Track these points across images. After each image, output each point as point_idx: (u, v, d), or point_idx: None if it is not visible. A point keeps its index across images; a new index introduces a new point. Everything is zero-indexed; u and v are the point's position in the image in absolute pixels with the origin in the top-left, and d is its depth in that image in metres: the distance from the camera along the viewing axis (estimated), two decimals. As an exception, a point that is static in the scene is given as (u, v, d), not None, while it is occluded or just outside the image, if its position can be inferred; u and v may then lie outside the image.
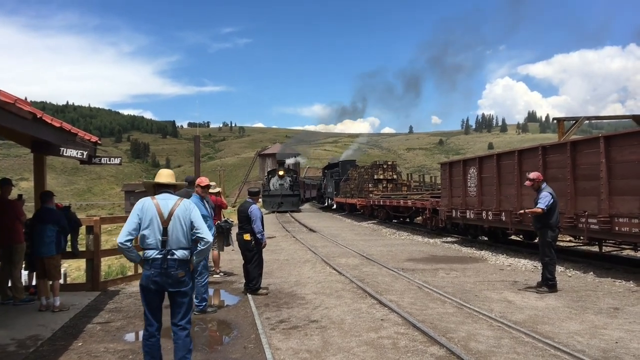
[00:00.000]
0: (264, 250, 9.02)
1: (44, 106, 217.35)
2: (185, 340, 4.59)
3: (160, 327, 4.64)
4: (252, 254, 8.65)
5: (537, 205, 8.59)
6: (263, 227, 8.77)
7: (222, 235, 10.17)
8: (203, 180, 8.20)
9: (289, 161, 64.88)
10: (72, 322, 7.20)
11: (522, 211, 9.00)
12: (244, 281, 8.98)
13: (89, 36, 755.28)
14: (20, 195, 9.19)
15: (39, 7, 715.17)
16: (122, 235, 4.48)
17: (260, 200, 39.97)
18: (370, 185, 30.23)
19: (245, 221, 8.60)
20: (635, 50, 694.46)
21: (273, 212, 40.22)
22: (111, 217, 15.92)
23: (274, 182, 43.92)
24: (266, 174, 51.82)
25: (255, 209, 8.71)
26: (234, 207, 61.66)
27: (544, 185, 8.85)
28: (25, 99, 7.01)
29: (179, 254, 4.55)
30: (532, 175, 9.17)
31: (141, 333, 6.60)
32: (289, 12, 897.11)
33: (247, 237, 8.58)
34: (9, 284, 8.42)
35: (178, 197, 4.79)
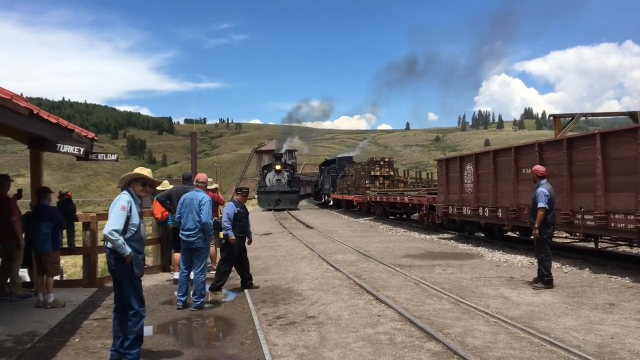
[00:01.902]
0: (261, 246, 9.03)
1: (39, 102, 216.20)
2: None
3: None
4: (233, 250, 8.62)
5: (538, 205, 8.59)
6: (232, 224, 8.57)
7: (219, 231, 10.16)
8: (202, 176, 8.22)
9: (287, 146, 61.17)
10: (69, 318, 7.20)
11: (535, 232, 8.79)
12: (240, 278, 8.98)
13: (84, 32, 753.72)
14: (19, 191, 9.19)
15: (33, 2, 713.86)
16: None
17: (256, 196, 38.98)
18: (367, 182, 30.25)
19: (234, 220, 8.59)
20: (631, 47, 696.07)
21: (269, 210, 37.92)
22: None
23: (270, 178, 41.10)
24: (261, 169, 47.84)
25: (229, 205, 8.73)
26: (230, 203, 61.76)
27: (543, 181, 8.84)
28: (21, 95, 7.00)
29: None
30: (534, 167, 9.23)
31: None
32: (285, 8, 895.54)
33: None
34: (7, 280, 8.42)
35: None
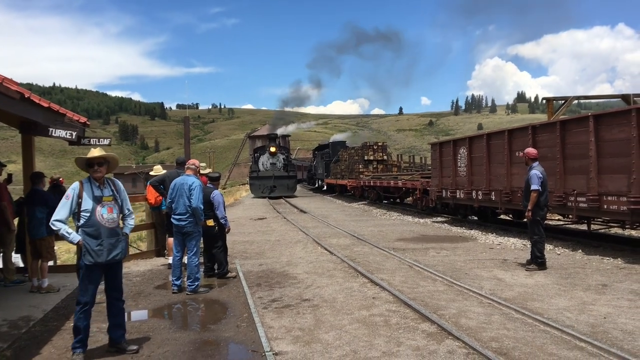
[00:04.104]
0: (255, 231, 9.02)
1: (30, 87, 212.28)
2: None
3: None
4: (217, 239, 8.61)
5: (531, 188, 8.60)
6: (225, 212, 8.73)
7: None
8: (196, 162, 8.17)
9: (281, 131, 55.00)
10: (64, 302, 7.20)
11: (528, 214, 8.79)
12: (205, 265, 8.90)
13: (74, 16, 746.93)
14: (10, 175, 9.13)
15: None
16: None
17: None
18: (360, 166, 30.25)
19: (208, 207, 8.33)
20: (624, 30, 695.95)
21: (264, 197, 34.09)
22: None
23: (264, 162, 36.46)
24: (252, 153, 42.71)
25: (217, 194, 8.63)
26: (224, 189, 61.60)
27: (535, 164, 8.86)
28: (11, 79, 6.91)
29: None
30: (526, 149, 9.25)
31: (133, 313, 6.66)
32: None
33: (210, 222, 8.43)
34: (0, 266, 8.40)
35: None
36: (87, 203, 4.89)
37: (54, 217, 4.84)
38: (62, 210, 4.85)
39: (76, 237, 4.86)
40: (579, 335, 5.02)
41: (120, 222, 5.25)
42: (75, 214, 4.90)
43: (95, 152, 5.04)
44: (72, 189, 4.97)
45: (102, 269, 5.01)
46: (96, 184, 5.03)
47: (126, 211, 5.32)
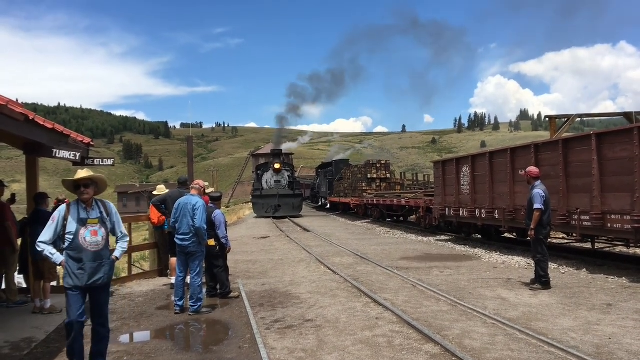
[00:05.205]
0: (258, 250, 9.01)
1: (35, 108, 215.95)
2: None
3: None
4: (218, 258, 8.61)
5: (534, 207, 8.60)
6: (227, 232, 8.74)
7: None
8: (200, 182, 8.22)
9: (285, 147, 52.60)
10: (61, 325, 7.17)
11: (531, 233, 8.79)
12: (208, 285, 8.86)
13: (79, 37, 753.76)
14: (13, 195, 9.16)
15: (29, 8, 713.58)
16: None
17: (254, 202, 36.29)
18: (363, 185, 30.24)
19: (209, 227, 8.29)
20: (625, 48, 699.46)
21: (268, 217, 31.97)
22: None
23: (268, 179, 34.46)
24: (255, 170, 39.93)
25: (219, 214, 8.63)
26: (227, 207, 61.57)
27: (537, 182, 8.87)
28: (17, 100, 6.98)
29: None
30: (528, 168, 9.25)
31: (135, 334, 6.63)
32: (281, 12, 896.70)
33: (211, 242, 8.41)
34: (3, 287, 8.39)
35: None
36: (71, 226, 4.83)
37: (39, 239, 4.84)
38: (47, 232, 4.84)
39: (59, 258, 4.82)
40: (584, 357, 4.98)
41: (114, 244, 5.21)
42: (60, 236, 4.85)
43: (81, 174, 4.98)
44: (59, 211, 4.94)
45: (84, 293, 4.90)
46: (83, 206, 4.95)
47: (119, 234, 5.24)
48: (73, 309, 4.84)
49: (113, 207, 5.25)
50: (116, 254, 5.18)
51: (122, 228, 5.30)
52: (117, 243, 5.24)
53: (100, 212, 5.03)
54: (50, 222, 4.89)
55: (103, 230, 4.97)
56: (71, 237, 4.82)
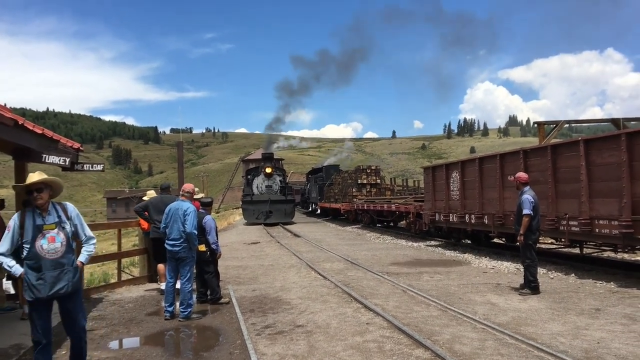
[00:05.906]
0: (249, 255, 8.99)
1: (24, 112, 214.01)
2: None
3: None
4: (208, 264, 8.59)
5: (523, 212, 8.65)
6: (217, 238, 8.73)
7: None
8: (191, 187, 8.18)
9: (277, 145, 49.57)
10: (55, 330, 7.07)
11: (520, 238, 8.84)
12: (198, 291, 8.82)
13: (68, 42, 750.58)
14: (2, 201, 9.09)
15: (16, 12, 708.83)
16: None
17: (245, 207, 35.70)
18: (354, 190, 30.30)
19: (200, 232, 8.24)
20: (612, 55, 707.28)
21: (258, 224, 30.54)
22: (93, 224, 15.72)
23: (259, 184, 32.97)
24: (244, 175, 38.94)
25: (209, 219, 8.61)
26: (217, 213, 61.37)
27: (526, 188, 8.93)
28: (5, 105, 6.95)
29: None
30: (517, 174, 9.31)
31: (124, 340, 6.60)
32: (270, 17, 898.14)
33: (202, 248, 8.39)
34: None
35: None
36: (27, 234, 4.53)
37: None
38: (4, 243, 4.53)
39: (18, 269, 4.52)
40: (573, 361, 5.01)
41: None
42: (19, 246, 4.54)
43: (33, 177, 4.68)
44: (13, 219, 4.61)
45: (49, 305, 4.62)
46: (38, 211, 4.63)
47: (83, 237, 4.93)
48: (39, 324, 4.56)
49: (73, 209, 4.92)
50: (81, 258, 4.87)
51: (87, 230, 4.99)
52: (82, 247, 4.95)
53: (59, 216, 4.72)
54: (6, 231, 4.58)
55: (62, 235, 4.65)
56: (28, 245, 4.52)
